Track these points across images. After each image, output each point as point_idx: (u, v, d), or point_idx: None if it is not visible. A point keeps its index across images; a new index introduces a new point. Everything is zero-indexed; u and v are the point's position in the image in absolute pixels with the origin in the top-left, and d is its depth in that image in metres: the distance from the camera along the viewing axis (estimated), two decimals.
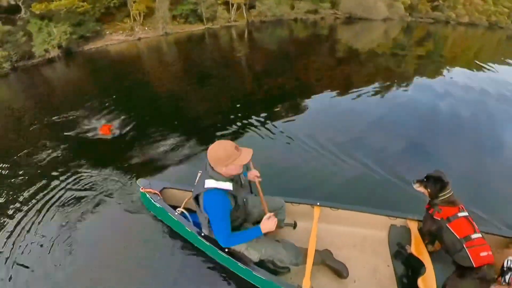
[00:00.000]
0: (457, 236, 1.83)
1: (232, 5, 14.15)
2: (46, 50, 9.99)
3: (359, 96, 5.95)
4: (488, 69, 8.80)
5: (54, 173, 3.50)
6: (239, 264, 1.91)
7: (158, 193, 2.46)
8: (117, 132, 4.27)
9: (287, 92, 6.25)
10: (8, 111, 5.93)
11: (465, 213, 1.90)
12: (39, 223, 2.78)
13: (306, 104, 5.55)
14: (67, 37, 10.28)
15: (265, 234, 1.86)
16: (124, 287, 2.15)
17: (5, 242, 2.58)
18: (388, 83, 6.90)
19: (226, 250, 1.95)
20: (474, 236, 1.80)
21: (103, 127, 4.37)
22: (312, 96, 5.88)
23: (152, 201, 2.41)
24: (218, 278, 2.15)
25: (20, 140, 4.51)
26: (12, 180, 3.45)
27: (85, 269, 2.29)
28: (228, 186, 1.74)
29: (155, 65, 9.46)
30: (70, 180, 3.36)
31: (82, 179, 3.37)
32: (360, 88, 6.34)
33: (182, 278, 2.18)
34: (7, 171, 3.64)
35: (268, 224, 1.81)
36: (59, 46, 10.21)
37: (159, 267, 2.27)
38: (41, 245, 2.55)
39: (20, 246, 2.53)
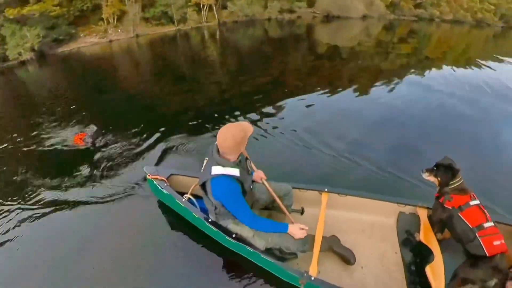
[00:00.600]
0: (470, 225, 1.78)
1: (203, 6, 14.54)
2: (19, 53, 10.55)
3: (345, 94, 5.86)
4: (477, 66, 8.83)
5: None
6: (248, 248, 1.90)
7: (165, 179, 2.44)
8: (89, 141, 3.94)
9: (267, 92, 6.06)
10: None
11: (477, 201, 1.84)
12: (42, 215, 2.79)
13: (287, 103, 5.37)
14: (39, 40, 10.82)
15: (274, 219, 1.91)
16: (132, 272, 2.15)
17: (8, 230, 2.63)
18: (374, 80, 6.83)
19: (234, 235, 1.94)
20: (486, 225, 1.76)
21: (76, 137, 4.08)
22: (293, 96, 5.66)
23: (159, 187, 2.39)
24: (226, 263, 2.16)
25: None
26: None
27: (94, 255, 2.31)
28: (235, 172, 1.71)
29: (126, 67, 9.52)
30: (76, 174, 3.34)
31: (84, 171, 3.38)
32: (346, 86, 6.26)
33: (190, 263, 2.18)
34: None
35: (297, 231, 1.85)
36: (32, 49, 10.77)
37: (166, 253, 2.29)
38: (47, 233, 2.59)
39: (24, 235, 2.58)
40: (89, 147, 3.90)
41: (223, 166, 1.71)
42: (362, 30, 16.43)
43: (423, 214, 2.14)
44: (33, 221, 2.74)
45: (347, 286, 1.78)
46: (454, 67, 8.53)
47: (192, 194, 2.30)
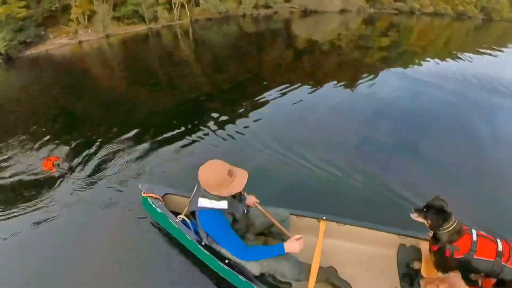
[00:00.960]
0: (491, 260, 1.68)
1: (175, 4, 14.51)
2: None
3: (327, 89, 5.77)
4: (460, 58, 8.96)
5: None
6: (240, 277, 1.82)
7: (160, 198, 2.39)
8: (64, 167, 3.40)
9: (246, 90, 5.89)
10: None
11: (475, 233, 1.74)
12: (32, 225, 2.75)
13: (267, 101, 5.19)
14: (6, 44, 10.83)
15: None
16: None
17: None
18: (356, 75, 6.76)
19: (226, 261, 1.87)
20: (500, 247, 1.68)
21: (45, 162, 3.49)
22: (273, 93, 5.47)
23: (153, 206, 2.34)
24: None
25: None
26: None
27: (81, 273, 2.25)
28: (223, 205, 1.64)
29: (97, 69, 9.28)
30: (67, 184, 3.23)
31: (77, 182, 3.25)
32: (328, 81, 6.16)
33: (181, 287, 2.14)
34: None
35: (294, 244, 1.73)
36: None
37: (156, 275, 2.23)
38: (34, 247, 2.53)
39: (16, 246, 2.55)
40: (63, 174, 3.37)
41: (210, 199, 1.64)
42: (341, 24, 16.55)
43: (424, 246, 2.02)
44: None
45: None
46: (437, 60, 8.62)
47: (186, 215, 2.22)
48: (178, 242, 2.32)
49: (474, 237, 1.72)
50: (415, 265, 2.01)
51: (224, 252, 1.88)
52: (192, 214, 1.84)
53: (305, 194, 2.96)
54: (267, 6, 17.30)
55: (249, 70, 7.47)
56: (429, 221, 1.78)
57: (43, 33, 12.43)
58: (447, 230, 1.72)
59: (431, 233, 1.85)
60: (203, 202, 1.65)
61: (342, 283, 1.93)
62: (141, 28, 13.94)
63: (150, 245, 2.46)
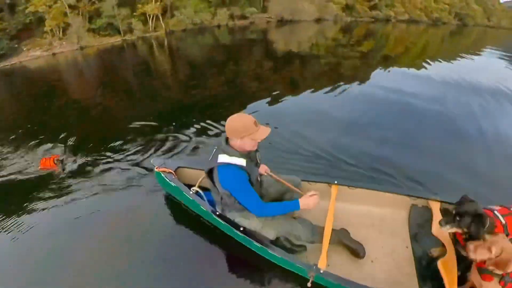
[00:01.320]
0: None
1: (150, 15, 14.84)
2: None
3: (307, 96, 5.77)
4: (437, 63, 9.18)
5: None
6: (255, 243, 1.89)
7: (173, 172, 2.44)
8: (68, 161, 3.47)
9: (224, 98, 5.83)
10: None
11: (498, 214, 1.64)
12: (48, 206, 2.78)
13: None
14: None
15: None
16: (137, 265, 2.15)
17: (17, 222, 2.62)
18: (336, 81, 6.75)
19: (241, 229, 1.92)
20: None
21: (43, 161, 3.51)
22: (251, 101, 5.43)
23: (167, 180, 2.39)
24: (233, 256, 2.14)
25: None
26: None
27: (99, 247, 2.31)
28: (241, 162, 1.70)
29: (71, 81, 9.14)
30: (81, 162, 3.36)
31: (92, 162, 3.36)
32: (308, 89, 6.13)
33: (197, 256, 2.18)
34: None
35: (309, 200, 1.79)
36: None
37: (173, 246, 2.28)
38: (52, 224, 2.58)
39: (29, 225, 2.58)
40: (64, 168, 3.40)
41: (230, 155, 1.71)
42: (318, 32, 16.85)
43: (436, 207, 2.06)
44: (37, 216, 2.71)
45: (357, 280, 1.74)
46: (414, 65, 8.86)
47: (199, 187, 2.29)
48: (193, 213, 2.40)
49: (502, 220, 1.64)
50: (434, 252, 1.96)
51: (239, 220, 1.93)
52: (209, 174, 1.85)
53: None
54: (243, 17, 17.66)
55: (226, 80, 7.44)
56: (465, 229, 1.65)
57: (16, 45, 12.58)
58: (484, 229, 1.62)
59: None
60: (223, 158, 1.71)
61: (355, 244, 1.97)
62: (116, 39, 14.16)
63: (166, 219, 2.52)
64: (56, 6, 12.75)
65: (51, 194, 3.00)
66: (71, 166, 3.44)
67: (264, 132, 1.71)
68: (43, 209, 2.81)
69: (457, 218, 1.65)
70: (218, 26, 16.69)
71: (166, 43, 14.39)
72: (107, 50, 13.45)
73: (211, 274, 2.07)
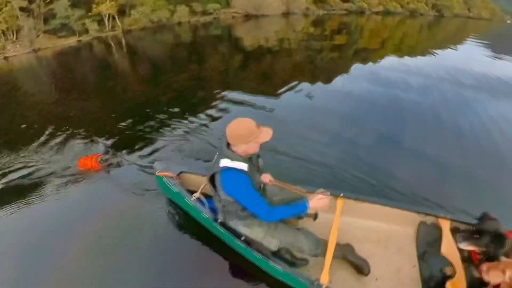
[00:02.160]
0: None
1: (105, 15, 14.57)
2: None
3: (282, 93, 5.61)
4: (417, 54, 9.37)
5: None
6: (256, 253, 1.83)
7: (175, 177, 2.39)
8: (114, 160, 3.24)
9: (187, 98, 5.60)
10: None
11: None
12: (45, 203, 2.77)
13: (213, 109, 4.89)
14: None
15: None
16: (135, 271, 2.11)
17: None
18: (311, 75, 6.71)
19: (243, 238, 1.87)
20: None
21: (84, 161, 3.25)
22: (220, 101, 5.21)
23: (168, 185, 2.34)
24: (233, 267, 2.10)
25: None
26: None
27: (97, 253, 2.26)
28: (243, 166, 1.66)
29: (27, 85, 8.65)
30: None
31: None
32: (281, 84, 5.97)
33: (196, 265, 2.14)
34: None
35: (318, 201, 1.76)
36: None
37: (172, 253, 2.23)
38: (49, 224, 2.56)
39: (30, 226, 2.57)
40: (109, 169, 3.21)
41: (232, 159, 1.66)
42: (287, 26, 16.71)
43: (445, 225, 1.97)
44: (35, 218, 2.70)
45: None
46: (396, 56, 9.02)
47: (202, 193, 2.23)
48: (193, 220, 2.33)
49: None
50: (448, 271, 1.86)
51: (241, 229, 1.88)
52: (211, 180, 1.80)
53: None
54: (206, 13, 17.49)
55: (190, 77, 7.15)
56: (484, 248, 1.59)
57: None
58: (503, 251, 1.54)
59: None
60: (225, 162, 1.66)
61: (359, 260, 1.91)
62: (71, 40, 14.06)
63: (165, 224, 2.47)
64: (6, 9, 12.68)
65: (41, 196, 2.94)
66: (115, 165, 3.27)
67: (267, 133, 1.68)
68: (31, 211, 2.78)
69: (476, 236, 1.58)
70: (179, 24, 16.51)
71: (123, 42, 14.28)
72: (62, 51, 13.34)
73: (208, 284, 2.04)
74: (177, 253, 2.23)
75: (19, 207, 2.86)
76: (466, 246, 1.65)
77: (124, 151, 3.58)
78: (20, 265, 2.25)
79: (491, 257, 1.58)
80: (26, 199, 2.94)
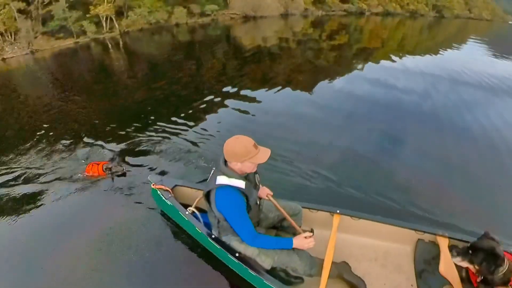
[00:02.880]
0: None
1: (103, 17, 14.63)
2: None
3: (280, 93, 5.64)
4: (419, 55, 9.35)
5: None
6: (250, 271, 1.79)
7: (170, 190, 2.36)
8: (119, 170, 3.23)
9: (187, 99, 5.62)
10: None
11: None
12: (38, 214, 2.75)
13: (211, 110, 4.91)
14: None
15: None
16: (127, 284, 2.10)
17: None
18: (311, 76, 6.75)
19: (237, 254, 1.83)
20: None
21: (91, 167, 3.28)
22: (219, 101, 5.28)
23: (163, 198, 2.32)
24: (227, 283, 2.07)
25: None
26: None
27: (88, 265, 2.24)
28: (241, 184, 1.66)
29: (21, 83, 8.95)
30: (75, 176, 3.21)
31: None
32: (281, 85, 6.00)
33: (189, 280, 2.10)
34: None
35: (303, 241, 1.74)
36: None
37: (165, 267, 2.20)
38: (40, 238, 2.51)
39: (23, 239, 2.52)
40: (113, 177, 3.21)
41: (229, 176, 1.66)
42: (285, 27, 16.67)
43: (444, 244, 1.93)
44: (32, 230, 2.65)
45: None
46: (398, 56, 8.91)
47: (196, 207, 2.22)
48: (187, 235, 2.33)
49: None
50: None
51: (235, 244, 1.86)
52: (206, 197, 1.79)
53: None
54: (204, 14, 17.47)
55: (189, 78, 7.19)
56: (476, 267, 1.56)
57: None
58: (500, 274, 1.48)
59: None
60: (222, 180, 1.66)
61: (355, 279, 1.89)
62: (69, 42, 14.06)
63: (159, 238, 2.45)
64: (4, 11, 12.71)
65: (35, 203, 2.92)
66: (120, 174, 3.26)
67: (264, 154, 1.67)
68: (26, 216, 2.77)
69: (470, 252, 1.55)
70: (176, 25, 16.48)
71: (121, 43, 14.27)
72: (60, 53, 13.35)
73: None
74: (170, 267, 2.20)
75: (18, 210, 2.87)
76: (460, 262, 1.63)
77: (126, 158, 3.58)
78: (15, 269, 2.26)
79: (487, 281, 1.53)
80: (24, 205, 2.93)
